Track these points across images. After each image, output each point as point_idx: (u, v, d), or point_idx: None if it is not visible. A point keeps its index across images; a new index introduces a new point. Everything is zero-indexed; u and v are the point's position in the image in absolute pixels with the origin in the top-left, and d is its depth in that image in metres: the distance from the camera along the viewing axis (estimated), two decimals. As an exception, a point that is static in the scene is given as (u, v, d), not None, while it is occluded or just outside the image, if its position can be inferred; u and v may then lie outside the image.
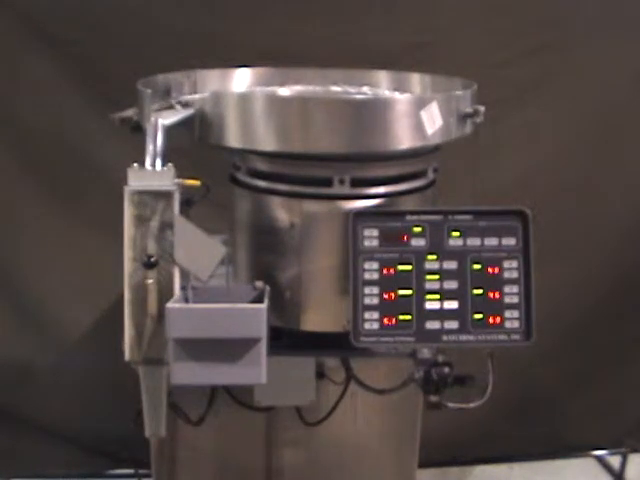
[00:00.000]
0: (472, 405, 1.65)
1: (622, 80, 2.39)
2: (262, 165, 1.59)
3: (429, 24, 2.26)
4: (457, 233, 1.53)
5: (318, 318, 1.61)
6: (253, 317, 1.34)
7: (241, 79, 1.94)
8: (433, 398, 1.63)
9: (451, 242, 1.53)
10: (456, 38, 2.28)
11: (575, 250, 2.46)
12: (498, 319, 1.51)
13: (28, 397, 2.43)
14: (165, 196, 1.36)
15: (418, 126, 1.50)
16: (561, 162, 2.42)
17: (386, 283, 1.51)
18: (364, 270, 1.52)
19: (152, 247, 1.36)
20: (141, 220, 1.35)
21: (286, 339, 1.63)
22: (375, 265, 1.52)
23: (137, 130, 1.53)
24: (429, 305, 1.52)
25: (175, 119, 1.48)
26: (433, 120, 1.51)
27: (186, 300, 1.42)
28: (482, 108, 1.63)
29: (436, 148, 1.63)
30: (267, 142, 1.50)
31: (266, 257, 1.62)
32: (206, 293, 1.45)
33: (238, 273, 1.68)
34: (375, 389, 1.78)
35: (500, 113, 2.21)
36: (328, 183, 1.54)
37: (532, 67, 2.34)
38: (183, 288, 1.41)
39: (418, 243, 1.53)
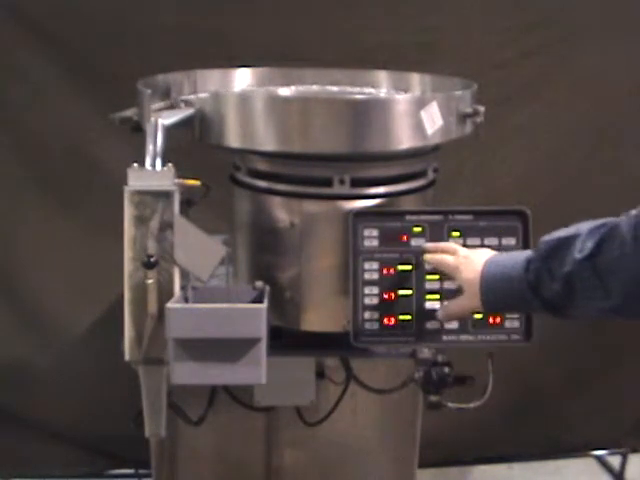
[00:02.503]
0: (472, 405, 1.65)
1: (621, 80, 2.39)
2: (262, 165, 1.59)
3: (429, 24, 2.26)
4: (457, 233, 1.53)
5: (318, 318, 1.61)
6: (253, 317, 1.34)
7: (241, 79, 1.94)
8: (433, 398, 1.63)
9: (451, 242, 1.53)
10: (456, 38, 2.28)
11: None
12: (498, 319, 1.51)
13: (28, 397, 2.43)
14: (165, 196, 1.35)
15: (418, 126, 1.50)
16: (561, 162, 2.42)
17: (386, 283, 1.52)
18: (364, 270, 1.52)
19: (152, 247, 1.36)
20: (141, 220, 1.35)
21: (286, 339, 1.63)
22: (375, 265, 1.52)
23: (137, 130, 1.53)
24: (429, 305, 1.52)
25: (175, 119, 1.48)
26: (433, 120, 1.51)
27: (186, 300, 1.42)
28: (482, 108, 1.63)
29: (436, 148, 1.63)
30: (267, 142, 1.50)
31: (266, 257, 1.62)
32: (206, 293, 1.45)
33: (238, 273, 1.68)
34: (375, 389, 1.79)
35: (500, 113, 2.21)
36: (328, 183, 1.54)
37: (532, 67, 2.33)
38: (183, 288, 1.41)
39: (418, 243, 1.53)
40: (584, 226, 1.22)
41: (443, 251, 1.46)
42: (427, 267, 1.51)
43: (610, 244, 1.16)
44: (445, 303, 1.47)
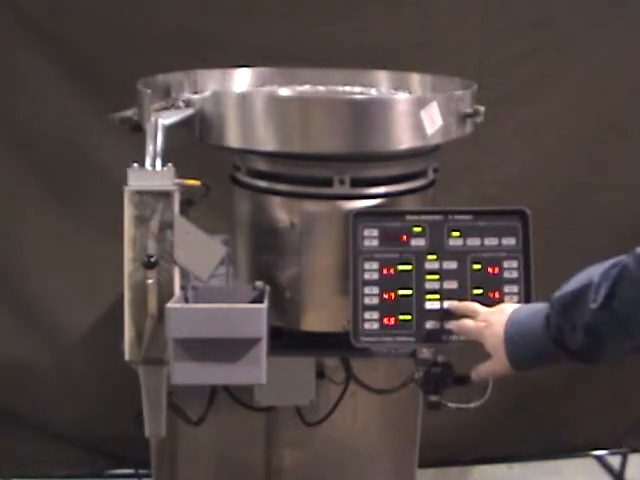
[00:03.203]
0: (472, 405, 1.65)
1: (621, 80, 2.39)
2: (262, 165, 1.59)
3: (429, 24, 2.26)
4: (457, 233, 1.53)
5: (318, 318, 1.61)
6: (253, 317, 1.34)
7: (241, 79, 1.94)
8: (433, 398, 1.63)
9: (451, 242, 1.53)
10: (456, 38, 2.28)
11: (575, 249, 2.46)
12: (498, 319, 1.51)
13: (28, 397, 2.43)
14: (165, 196, 1.35)
15: (418, 126, 1.50)
16: (561, 162, 2.42)
17: (386, 283, 1.51)
18: (364, 270, 1.52)
19: (152, 247, 1.36)
20: (141, 220, 1.35)
21: (286, 339, 1.63)
22: (375, 265, 1.52)
23: (137, 130, 1.53)
24: (429, 305, 1.52)
25: (175, 119, 1.48)
26: (433, 120, 1.51)
27: (186, 300, 1.42)
28: (482, 108, 1.63)
29: (436, 148, 1.63)
30: (267, 142, 1.50)
31: (266, 257, 1.62)
32: (206, 293, 1.45)
33: (238, 273, 1.68)
34: (375, 389, 1.79)
35: (500, 113, 2.21)
36: (328, 183, 1.54)
37: (531, 67, 2.33)
38: (183, 288, 1.41)
39: (418, 243, 1.53)
40: (595, 272, 1.22)
41: (464, 312, 1.48)
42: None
43: (623, 287, 1.17)
44: (477, 369, 1.46)
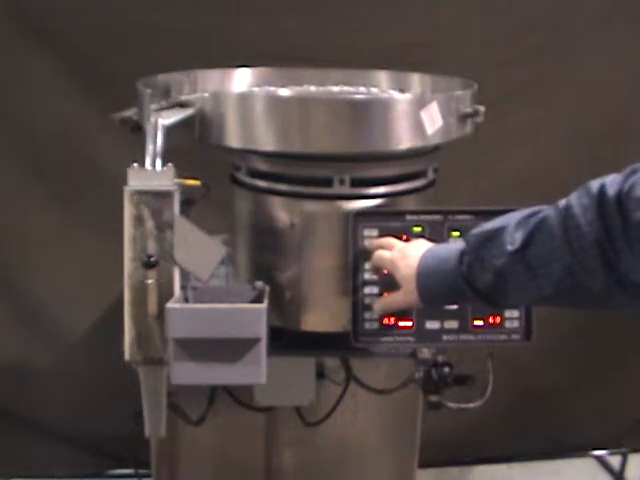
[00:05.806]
0: (472, 405, 1.65)
1: (622, 80, 2.39)
2: (262, 165, 1.59)
3: (429, 24, 2.26)
4: (457, 233, 1.53)
5: (318, 318, 1.61)
6: (253, 317, 1.34)
7: (241, 79, 1.94)
8: (433, 398, 1.63)
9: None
10: (456, 38, 2.28)
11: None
12: (498, 319, 1.51)
13: (28, 397, 2.43)
14: (165, 196, 1.35)
15: (418, 126, 1.50)
16: (561, 162, 2.42)
17: (386, 283, 1.51)
18: (364, 270, 1.52)
19: (152, 247, 1.36)
20: (141, 220, 1.35)
21: (286, 339, 1.63)
22: (375, 265, 1.52)
23: (137, 130, 1.53)
24: (429, 305, 1.52)
25: (175, 119, 1.48)
26: (433, 120, 1.51)
27: (186, 300, 1.42)
28: (482, 108, 1.63)
29: (436, 148, 1.63)
30: (267, 142, 1.50)
31: (266, 257, 1.62)
32: (206, 293, 1.45)
33: (238, 273, 1.68)
34: (375, 389, 1.79)
35: (500, 113, 2.21)
36: (328, 183, 1.54)
37: (532, 67, 2.33)
38: (183, 288, 1.41)
39: (418, 243, 1.53)
40: (512, 217, 1.22)
41: (381, 247, 1.47)
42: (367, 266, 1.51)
43: (540, 237, 1.15)
44: (382, 298, 1.47)
